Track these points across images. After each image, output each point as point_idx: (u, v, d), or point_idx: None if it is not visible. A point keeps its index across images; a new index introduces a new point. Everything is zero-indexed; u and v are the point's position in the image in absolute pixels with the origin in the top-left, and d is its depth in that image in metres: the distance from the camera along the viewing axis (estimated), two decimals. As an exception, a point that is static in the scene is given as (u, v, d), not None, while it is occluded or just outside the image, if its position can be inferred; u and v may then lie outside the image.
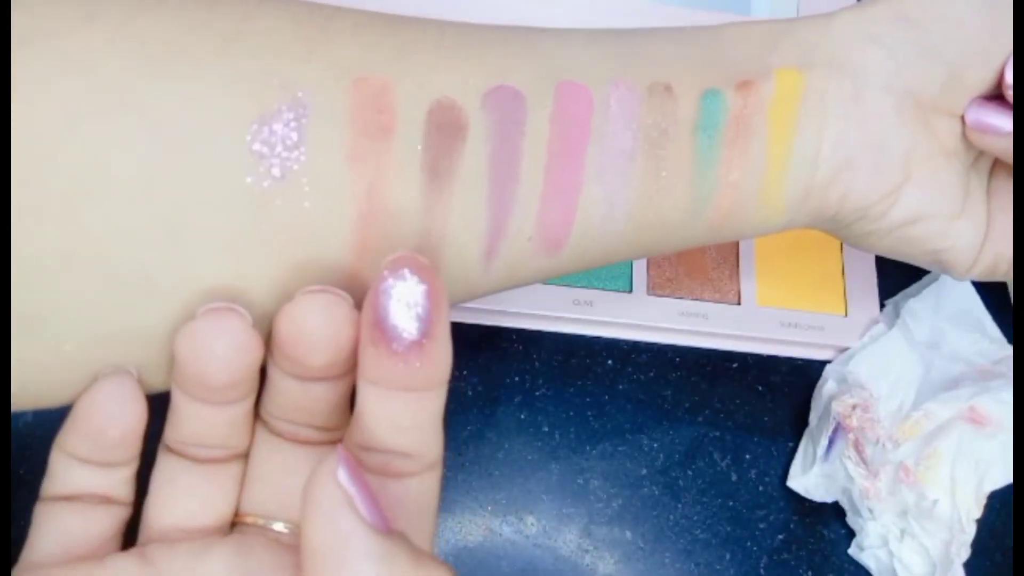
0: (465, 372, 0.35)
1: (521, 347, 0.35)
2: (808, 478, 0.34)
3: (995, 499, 0.33)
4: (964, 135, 0.24)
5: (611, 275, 0.35)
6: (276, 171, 0.18)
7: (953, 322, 0.35)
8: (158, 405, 0.20)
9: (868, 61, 0.23)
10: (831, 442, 0.33)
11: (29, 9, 0.16)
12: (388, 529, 0.16)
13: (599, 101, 0.21)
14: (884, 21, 0.23)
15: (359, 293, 0.19)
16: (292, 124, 0.18)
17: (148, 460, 0.32)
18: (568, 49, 0.21)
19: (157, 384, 0.19)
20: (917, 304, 0.35)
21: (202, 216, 0.17)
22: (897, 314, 0.36)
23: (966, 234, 0.24)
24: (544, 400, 0.34)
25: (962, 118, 0.24)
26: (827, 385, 0.35)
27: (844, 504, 0.34)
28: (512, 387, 0.35)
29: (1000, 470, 0.33)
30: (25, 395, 0.18)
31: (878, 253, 0.26)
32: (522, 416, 0.34)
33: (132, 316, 0.18)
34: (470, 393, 0.34)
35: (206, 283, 0.18)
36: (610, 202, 0.21)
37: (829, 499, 0.34)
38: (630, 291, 0.35)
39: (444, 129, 0.19)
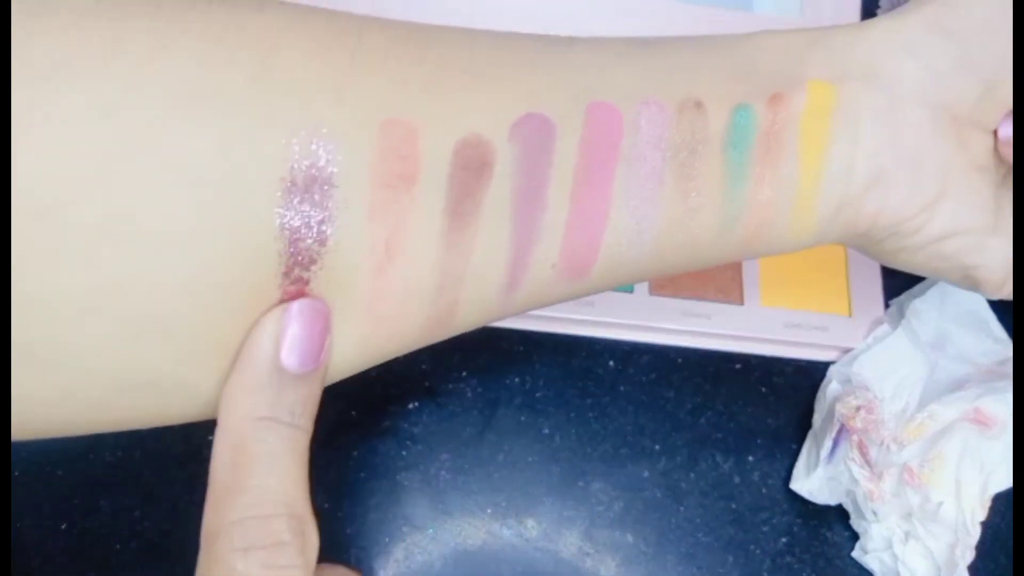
0: (465, 374, 0.34)
1: (521, 348, 0.35)
2: (812, 480, 0.33)
3: (1000, 501, 0.32)
4: (996, 150, 0.24)
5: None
6: (303, 226, 0.17)
7: (958, 323, 0.35)
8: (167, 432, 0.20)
9: (903, 73, 0.22)
10: (835, 444, 0.33)
11: (55, 38, 0.16)
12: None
13: (629, 122, 0.20)
14: (919, 32, 0.23)
15: (373, 341, 0.19)
16: (319, 180, 0.17)
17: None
18: (599, 65, 0.21)
19: (161, 421, 0.19)
20: (921, 304, 0.35)
21: (224, 271, 0.17)
22: (901, 314, 0.35)
23: (998, 251, 0.24)
24: (545, 402, 0.34)
25: (995, 132, 0.23)
26: (831, 386, 0.34)
27: (848, 507, 0.33)
28: (512, 389, 0.34)
29: (1005, 472, 0.32)
30: (30, 428, 0.18)
31: (908, 270, 0.26)
32: (522, 418, 0.34)
33: (145, 364, 0.17)
34: (470, 395, 0.34)
35: (221, 337, 0.18)
36: (638, 226, 0.21)
37: (833, 502, 0.34)
38: (631, 291, 0.35)
39: (469, 169, 0.19)
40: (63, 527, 0.31)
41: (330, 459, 0.32)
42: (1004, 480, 0.32)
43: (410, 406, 0.34)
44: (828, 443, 0.33)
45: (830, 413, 0.34)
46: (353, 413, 0.33)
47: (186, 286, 0.17)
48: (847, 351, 0.35)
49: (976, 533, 0.32)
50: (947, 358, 0.35)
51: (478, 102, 0.19)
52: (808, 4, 0.39)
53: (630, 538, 0.33)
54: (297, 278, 0.18)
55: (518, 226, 0.20)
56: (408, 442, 0.33)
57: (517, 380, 0.34)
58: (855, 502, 0.33)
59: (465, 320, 0.20)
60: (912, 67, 0.22)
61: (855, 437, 0.32)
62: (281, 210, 0.17)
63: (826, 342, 0.35)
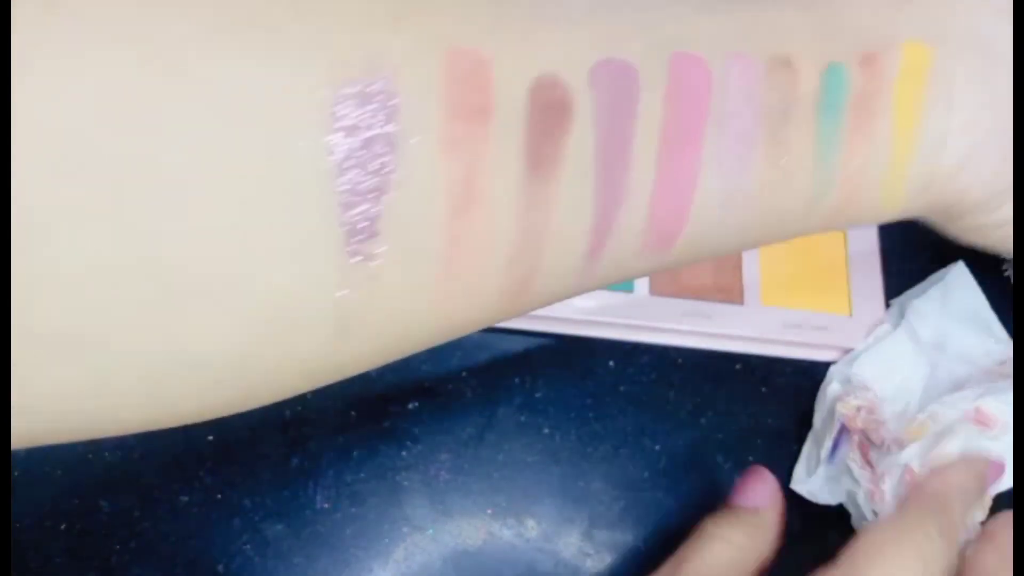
0: (464, 374, 0.34)
1: (521, 348, 0.35)
2: (812, 481, 0.33)
3: (1001, 503, 0.32)
4: None
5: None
6: (362, 165, 0.15)
7: (959, 322, 0.35)
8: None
9: (1001, 36, 0.21)
10: (836, 444, 0.33)
11: None
12: None
13: (717, 77, 0.18)
14: None
15: (448, 303, 0.17)
16: (379, 110, 0.15)
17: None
18: (679, 15, 0.19)
19: (209, 411, 0.17)
20: (922, 304, 0.35)
21: (273, 215, 0.15)
22: (902, 314, 0.35)
23: None
24: (544, 402, 0.34)
25: None
26: (831, 386, 0.34)
27: (849, 507, 0.33)
28: (512, 389, 0.34)
29: (1006, 473, 0.32)
30: (62, 427, 0.16)
31: (980, 247, 0.24)
32: (522, 418, 0.34)
33: (189, 334, 0.15)
34: (469, 395, 0.34)
35: (274, 294, 0.15)
36: (727, 192, 0.19)
37: (834, 502, 0.33)
38: (631, 291, 0.35)
39: (548, 111, 0.17)
40: (62, 527, 0.31)
41: (330, 459, 0.32)
42: (1004, 481, 0.32)
43: (410, 406, 0.34)
44: (828, 443, 0.33)
45: (830, 413, 0.33)
46: (353, 413, 0.33)
47: (230, 234, 0.14)
48: (847, 351, 0.35)
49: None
50: (948, 358, 0.35)
51: (552, 42, 0.17)
52: None
53: (630, 538, 0.32)
54: (364, 214, 0.15)
55: (602, 185, 0.18)
56: (408, 442, 0.33)
57: (517, 380, 0.34)
58: (856, 503, 0.33)
59: (542, 291, 0.19)
60: (1009, 29, 0.21)
61: (856, 437, 0.32)
62: (332, 136, 0.15)
63: (826, 342, 0.35)
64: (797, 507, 0.34)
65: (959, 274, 0.36)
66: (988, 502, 0.32)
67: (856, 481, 0.32)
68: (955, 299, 0.35)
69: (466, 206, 0.16)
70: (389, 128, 0.15)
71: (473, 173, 0.16)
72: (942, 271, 0.36)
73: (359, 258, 0.16)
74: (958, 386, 0.34)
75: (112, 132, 0.13)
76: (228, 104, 0.14)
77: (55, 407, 0.15)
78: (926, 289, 0.36)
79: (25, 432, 0.15)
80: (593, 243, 0.18)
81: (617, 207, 0.18)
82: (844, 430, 0.33)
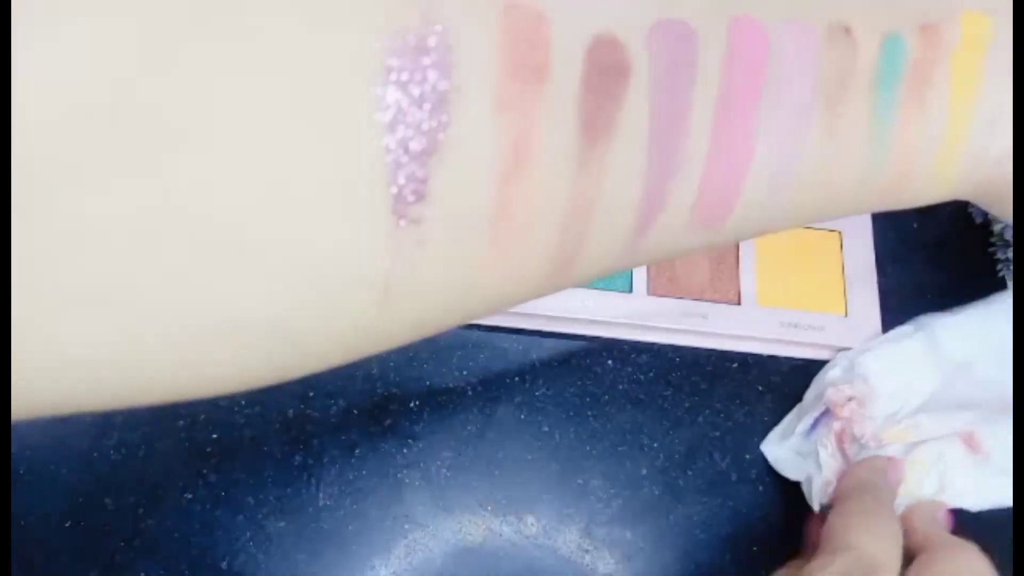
0: (465, 372, 0.35)
1: (521, 347, 0.35)
2: (782, 448, 0.33)
3: (1001, 517, 0.32)
4: None
5: (611, 275, 0.35)
6: (413, 122, 0.14)
7: (994, 350, 0.34)
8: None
9: None
10: (815, 424, 0.33)
11: None
12: None
13: (775, 43, 0.18)
14: None
15: (490, 276, 0.16)
16: (434, 65, 0.14)
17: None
18: None
19: (240, 381, 0.16)
20: (956, 321, 0.35)
21: (322, 171, 0.14)
22: (930, 323, 0.35)
23: None
24: (544, 400, 0.34)
25: None
26: (833, 370, 0.34)
27: (804, 489, 0.33)
28: (512, 387, 0.35)
29: (964, 495, 0.32)
30: (89, 392, 0.15)
31: None
32: (522, 416, 0.34)
33: (229, 296, 0.14)
34: (470, 393, 0.34)
35: (320, 255, 0.14)
36: (780, 167, 0.19)
37: (794, 478, 0.33)
38: (630, 291, 0.35)
39: (605, 72, 0.16)
40: (67, 525, 0.31)
41: (332, 457, 0.33)
42: (958, 500, 0.32)
43: (411, 404, 0.34)
44: (809, 420, 0.33)
45: (821, 394, 0.34)
46: (355, 412, 0.34)
47: (276, 189, 0.13)
48: (841, 350, 0.36)
49: None
50: (971, 380, 0.34)
51: (610, 1, 0.16)
52: None
53: (628, 535, 0.33)
54: (413, 175, 0.14)
55: (656, 154, 0.17)
56: (409, 440, 0.33)
57: (517, 379, 0.35)
58: (811, 487, 0.33)
59: (587, 266, 0.18)
60: None
61: (837, 424, 0.33)
62: (384, 90, 0.14)
63: (822, 341, 0.36)
64: (794, 504, 0.34)
65: (1007, 302, 0.35)
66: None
67: (819, 467, 0.32)
68: (996, 326, 0.35)
69: (517, 171, 0.15)
70: (443, 84, 0.14)
71: (525, 136, 0.15)
72: (995, 295, 0.36)
73: (406, 221, 0.15)
74: (963, 407, 0.34)
75: (154, 78, 0.12)
76: (276, 49, 0.13)
77: (83, 369, 0.14)
78: (966, 308, 0.35)
79: (55, 396, 0.14)
80: (643, 216, 0.18)
81: (670, 178, 0.17)
82: (828, 413, 0.33)
